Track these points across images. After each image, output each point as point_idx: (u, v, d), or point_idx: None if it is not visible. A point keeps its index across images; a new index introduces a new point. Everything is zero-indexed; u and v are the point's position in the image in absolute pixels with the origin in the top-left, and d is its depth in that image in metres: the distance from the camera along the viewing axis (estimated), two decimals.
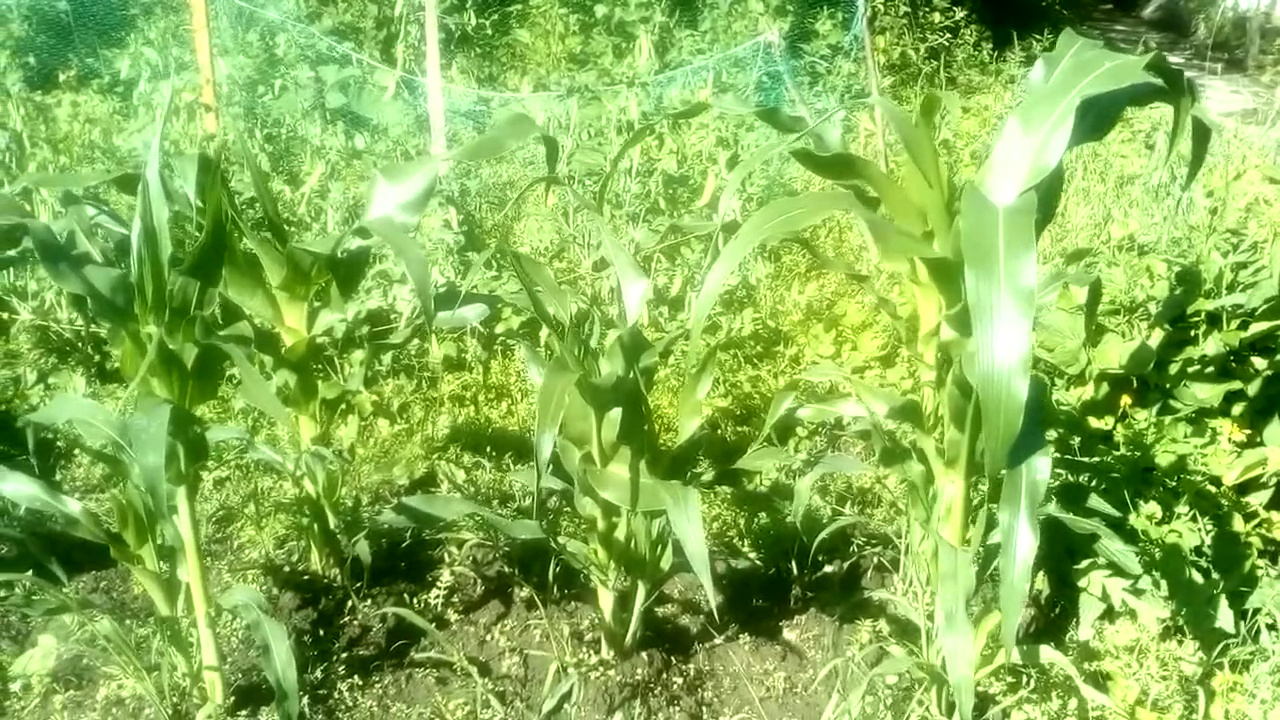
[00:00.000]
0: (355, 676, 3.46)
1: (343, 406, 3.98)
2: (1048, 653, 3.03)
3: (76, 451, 4.73)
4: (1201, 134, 2.56)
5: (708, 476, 3.63)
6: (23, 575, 3.31)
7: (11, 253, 3.16)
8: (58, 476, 4.62)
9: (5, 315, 5.14)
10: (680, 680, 3.50)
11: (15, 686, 3.45)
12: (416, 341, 5.25)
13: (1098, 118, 2.44)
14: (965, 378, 2.57)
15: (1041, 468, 2.33)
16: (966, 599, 2.68)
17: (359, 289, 4.97)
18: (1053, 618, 3.62)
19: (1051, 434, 3.86)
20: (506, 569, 3.98)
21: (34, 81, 8.31)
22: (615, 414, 3.11)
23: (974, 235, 2.14)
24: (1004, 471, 2.32)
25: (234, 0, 8.83)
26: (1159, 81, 2.39)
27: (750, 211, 5.50)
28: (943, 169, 2.67)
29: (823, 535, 3.58)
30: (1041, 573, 3.57)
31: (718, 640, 3.70)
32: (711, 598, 2.75)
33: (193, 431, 2.83)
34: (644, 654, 3.52)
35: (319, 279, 3.45)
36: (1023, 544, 2.28)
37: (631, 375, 3.15)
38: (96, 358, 5.17)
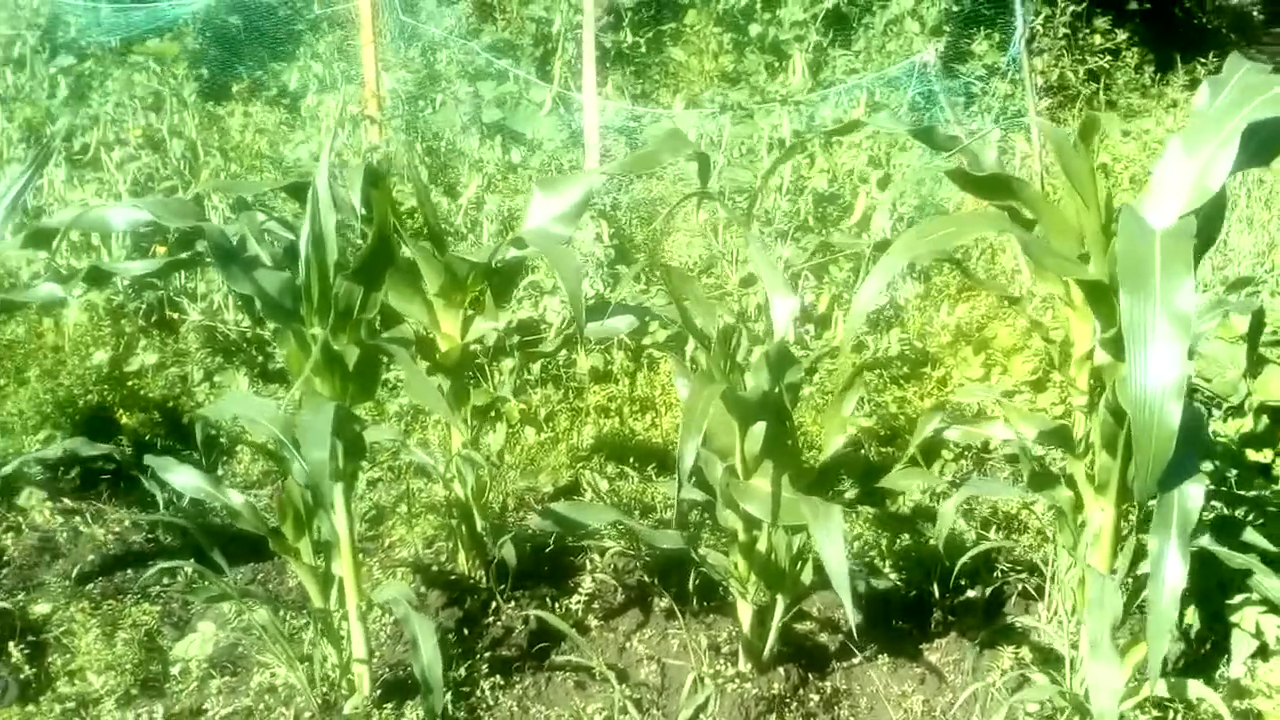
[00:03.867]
0: (497, 676, 3.54)
1: (492, 413, 4.07)
2: (1196, 688, 2.96)
3: (239, 448, 4.92)
4: None
5: (851, 495, 3.62)
6: (186, 563, 3.46)
7: (185, 255, 3.33)
8: (220, 472, 4.81)
9: (176, 315, 5.37)
10: (817, 697, 3.49)
11: (175, 670, 3.61)
12: (564, 353, 5.33)
13: (1263, 143, 2.39)
14: (1118, 403, 2.54)
15: (1194, 495, 2.29)
16: (1113, 627, 2.64)
17: (512, 298, 5.07)
18: (1203, 653, 3.52)
19: (1208, 465, 3.76)
20: (647, 578, 4.02)
21: (207, 93, 8.67)
22: (759, 428, 3.13)
23: (1130, 257, 2.12)
24: (1155, 498, 2.29)
25: (399, 16, 9.09)
26: None
27: (901, 231, 5.47)
28: (1100, 190, 2.64)
29: (966, 559, 3.55)
30: (1192, 607, 3.47)
31: (856, 659, 3.68)
32: (850, 614, 2.75)
33: (352, 430, 2.94)
34: (781, 669, 3.52)
35: (474, 287, 3.55)
36: (1172, 572, 2.24)
37: (777, 390, 3.18)
38: (259, 358, 5.37)
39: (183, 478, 3.28)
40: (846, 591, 2.72)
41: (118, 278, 3.73)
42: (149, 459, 3.37)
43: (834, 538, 2.74)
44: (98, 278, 3.29)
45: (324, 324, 2.84)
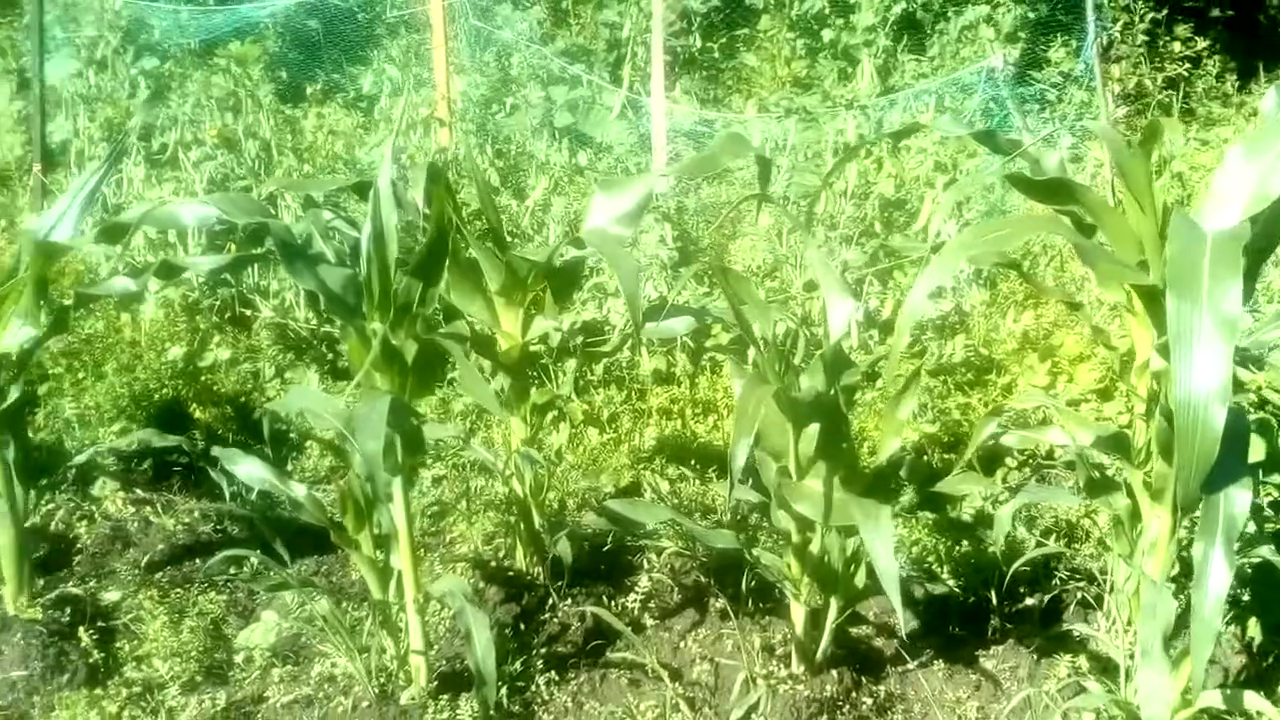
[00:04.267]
0: (552, 671, 3.57)
1: (554, 413, 4.11)
2: (1253, 699, 2.91)
3: (308, 444, 5.01)
4: None
5: (909, 500, 3.62)
6: (252, 553, 3.54)
7: (257, 251, 3.41)
8: (289, 467, 4.90)
9: (248, 312, 5.49)
10: (869, 701, 3.49)
11: (238, 658, 3.69)
12: (627, 354, 5.37)
13: None
14: (1171, 408, 2.52)
15: (1240, 500, 2.27)
16: (1165, 635, 2.62)
17: (574, 299, 5.12)
18: (1265, 667, 3.46)
19: (1277, 478, 3.70)
20: (703, 579, 4.04)
21: (284, 95, 8.83)
22: (813, 429, 3.14)
23: (1179, 260, 2.11)
24: (1201, 503, 2.27)
25: (473, 21, 9.20)
26: None
27: None
28: (1158, 196, 2.63)
29: (1021, 563, 3.53)
30: (1254, 619, 3.43)
31: (910, 664, 3.67)
32: (900, 615, 2.76)
33: (410, 424, 2.99)
34: (834, 671, 3.52)
35: (535, 286, 3.60)
36: (1216, 578, 2.22)
37: (832, 392, 3.18)
38: (329, 355, 5.47)
39: (249, 469, 3.36)
40: (896, 592, 2.72)
41: (189, 272, 3.81)
42: (217, 451, 3.45)
43: (883, 539, 2.75)
44: (169, 272, 3.37)
45: (384, 319, 2.90)
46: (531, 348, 3.79)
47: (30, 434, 4.05)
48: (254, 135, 6.20)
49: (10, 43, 9.67)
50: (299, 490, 3.35)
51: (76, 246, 3.86)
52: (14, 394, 3.49)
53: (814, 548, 3.30)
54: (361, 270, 2.92)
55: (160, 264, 3.32)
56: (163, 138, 6.36)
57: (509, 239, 3.91)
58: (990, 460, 4.71)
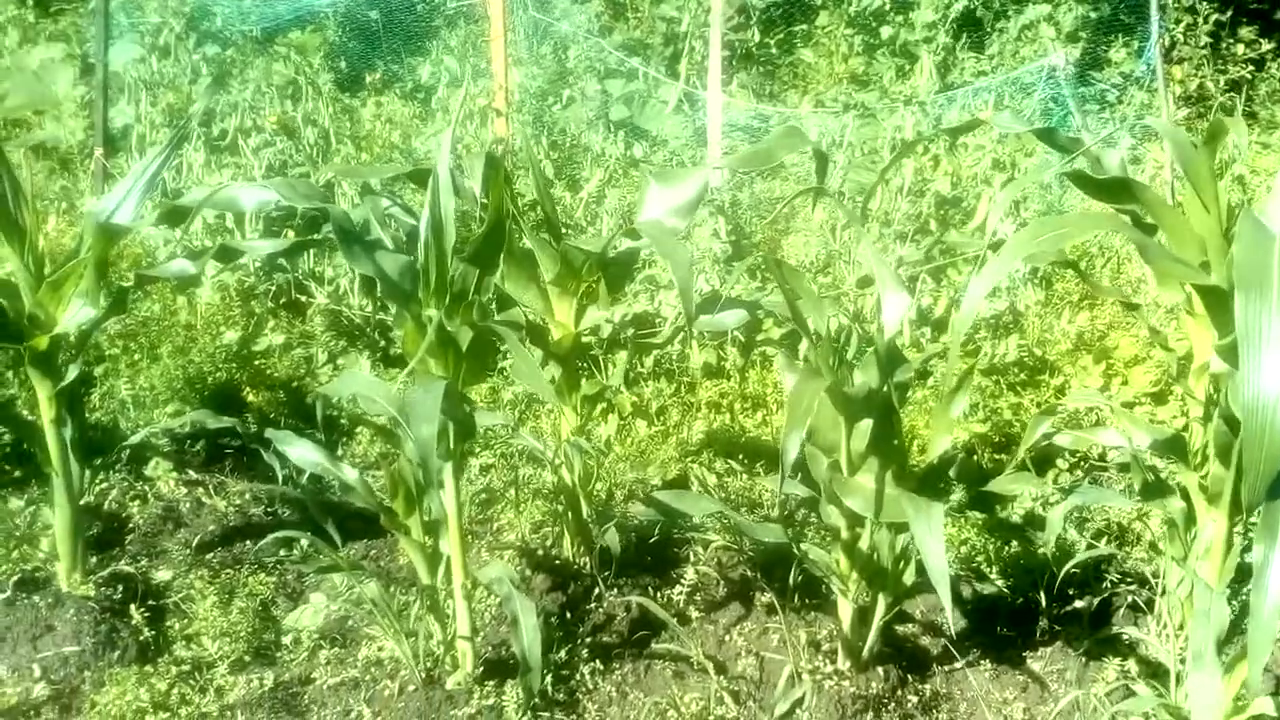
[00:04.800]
0: (597, 661, 3.58)
1: (603, 404, 4.12)
2: None
3: (358, 429, 5.05)
4: None
5: (959, 499, 3.59)
6: (303, 535, 3.57)
7: (315, 236, 3.43)
8: (340, 451, 4.94)
9: (303, 298, 5.53)
10: (915, 699, 3.48)
11: (286, 639, 3.73)
12: (677, 347, 5.37)
13: None
14: (1232, 411, 2.49)
15: None
16: (1218, 640, 2.59)
17: (626, 290, 5.12)
18: None
19: None
20: (749, 573, 4.04)
21: (342, 84, 8.90)
22: (865, 425, 3.13)
23: (1247, 260, 2.08)
24: (1262, 506, 2.24)
25: (531, 14, 9.22)
26: None
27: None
28: (1221, 195, 2.59)
29: (1072, 565, 3.50)
30: None
31: (957, 664, 3.65)
32: (949, 613, 2.74)
33: (463, 411, 3.00)
34: (880, 669, 3.51)
35: (589, 277, 3.60)
36: (1275, 583, 2.19)
37: (885, 388, 3.16)
38: (381, 342, 5.51)
39: (301, 452, 3.39)
40: (946, 590, 2.70)
41: (247, 256, 3.85)
42: (270, 433, 3.48)
43: (935, 535, 2.73)
44: (227, 255, 3.41)
45: (439, 305, 2.91)
46: (583, 337, 3.79)
47: (86, 414, 4.09)
48: (313, 123, 6.25)
49: (74, 29, 9.80)
50: (350, 474, 3.37)
51: (137, 229, 3.90)
52: (72, 373, 3.54)
53: (863, 544, 3.29)
54: (419, 257, 2.93)
55: (219, 247, 3.36)
56: (223, 123, 6.42)
57: (563, 230, 3.91)
58: (1041, 461, 4.68)
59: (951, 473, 4.10)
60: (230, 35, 8.80)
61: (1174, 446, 3.05)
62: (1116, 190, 2.89)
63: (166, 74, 7.63)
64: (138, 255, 5.81)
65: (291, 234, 5.44)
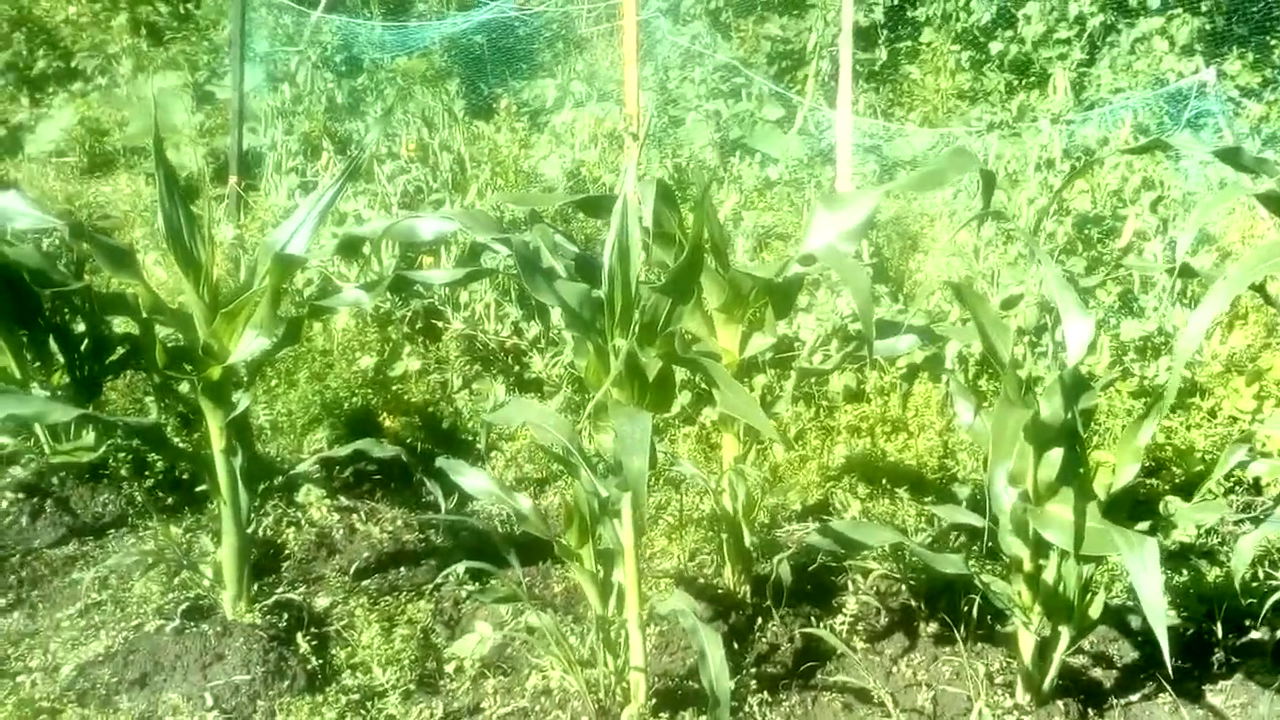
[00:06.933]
0: (764, 692, 3.54)
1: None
2: None
3: (493, 454, 5.06)
4: None
5: (1140, 527, 3.50)
6: (484, 565, 3.54)
7: (483, 266, 3.43)
8: None
9: (438, 323, 5.56)
10: None
11: (449, 667, 3.72)
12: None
13: None
14: None
15: None
16: None
17: (791, 315, 5.06)
18: None
19: None
20: (912, 602, 3.97)
21: (476, 110, 8.98)
22: (1055, 454, 3.06)
23: None
24: None
25: (651, 35, 9.26)
26: None
27: (1170, 255, 5.30)
28: None
29: (1271, 602, 3.40)
30: None
31: (1134, 697, 3.56)
32: (1166, 652, 2.64)
33: (650, 441, 2.98)
34: (1060, 702, 3.43)
35: (756, 303, 3.57)
36: None
37: (1070, 416, 3.10)
38: (516, 368, 5.51)
39: (474, 481, 3.39)
40: (1163, 627, 2.61)
41: (420, 286, 3.87)
42: (441, 462, 3.49)
43: (1151, 570, 2.64)
44: (401, 285, 3.42)
45: (625, 335, 2.89)
46: (747, 363, 3.76)
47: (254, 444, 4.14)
48: (447, 149, 6.29)
49: (185, 56, 9.97)
50: (525, 503, 3.36)
51: (311, 259, 3.94)
52: (244, 403, 3.58)
53: (1048, 575, 3.22)
54: (603, 286, 2.91)
55: (395, 277, 3.37)
56: (358, 151, 6.49)
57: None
58: (1190, 488, 4.56)
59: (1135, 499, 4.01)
60: (363, 62, 8.92)
61: None
62: None
63: (301, 100, 7.72)
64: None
65: (428, 260, 5.47)
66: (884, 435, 5.12)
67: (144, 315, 3.52)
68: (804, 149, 8.04)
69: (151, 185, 7.21)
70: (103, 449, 4.54)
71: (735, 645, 3.75)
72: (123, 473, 4.64)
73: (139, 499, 4.47)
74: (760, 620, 3.86)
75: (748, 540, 3.91)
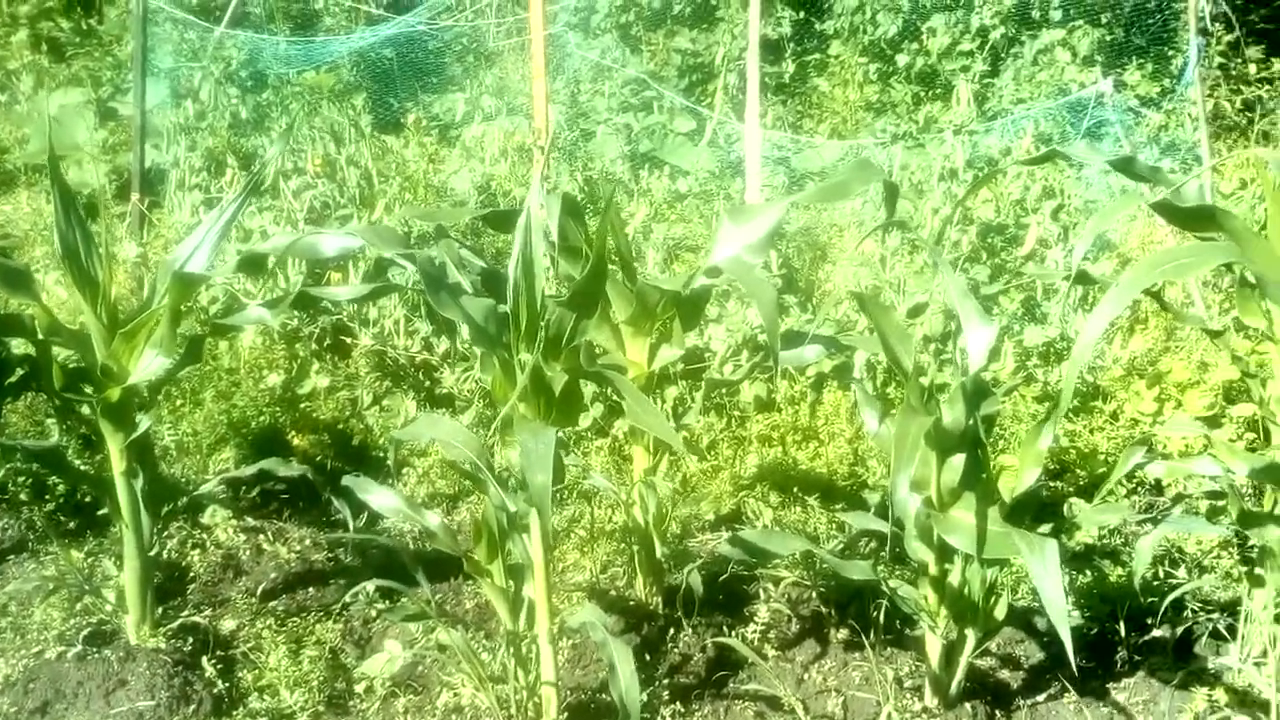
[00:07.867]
0: (677, 703, 3.55)
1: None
2: None
3: (406, 470, 5.02)
4: None
5: (1043, 529, 3.57)
6: (392, 583, 3.50)
7: (387, 281, 3.41)
8: None
9: (347, 340, 5.50)
10: None
11: (358, 687, 3.67)
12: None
13: None
14: None
15: None
16: None
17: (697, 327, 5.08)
18: None
19: None
20: (822, 609, 4.00)
21: (381, 124, 8.91)
22: (958, 459, 3.10)
23: None
24: None
25: (574, 49, 9.25)
26: None
27: (1068, 263, 5.39)
28: None
29: (1174, 596, 3.48)
30: None
31: (1040, 697, 3.62)
32: (1070, 652, 2.68)
33: (558, 456, 2.97)
34: (968, 705, 3.48)
35: (663, 315, 3.58)
36: None
37: (972, 422, 3.15)
38: (427, 383, 5.47)
39: (382, 499, 3.35)
40: (1066, 627, 2.66)
41: (324, 301, 3.82)
42: (348, 480, 3.45)
43: (1052, 572, 2.69)
44: (306, 302, 3.38)
45: (531, 350, 2.88)
46: (654, 376, 3.77)
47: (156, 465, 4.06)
48: (354, 164, 6.22)
49: (88, 73, 9.78)
50: (433, 520, 3.33)
51: (213, 277, 3.88)
52: (144, 424, 3.51)
53: (953, 579, 3.26)
54: (508, 300, 2.90)
55: (299, 294, 3.33)
56: (260, 167, 6.41)
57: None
58: (1093, 492, 4.65)
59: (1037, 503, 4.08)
60: (266, 77, 8.81)
61: (1271, 473, 3.03)
62: (1201, 219, 2.88)
63: (204, 117, 7.60)
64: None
65: (336, 277, 5.41)
66: (795, 444, 5.15)
67: (40, 336, 3.44)
68: (714, 161, 8.07)
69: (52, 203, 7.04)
70: (1, 472, 4.44)
71: (647, 657, 3.75)
72: (22, 497, 4.53)
73: (39, 523, 4.36)
74: (672, 631, 3.87)
75: (659, 551, 3.92)
